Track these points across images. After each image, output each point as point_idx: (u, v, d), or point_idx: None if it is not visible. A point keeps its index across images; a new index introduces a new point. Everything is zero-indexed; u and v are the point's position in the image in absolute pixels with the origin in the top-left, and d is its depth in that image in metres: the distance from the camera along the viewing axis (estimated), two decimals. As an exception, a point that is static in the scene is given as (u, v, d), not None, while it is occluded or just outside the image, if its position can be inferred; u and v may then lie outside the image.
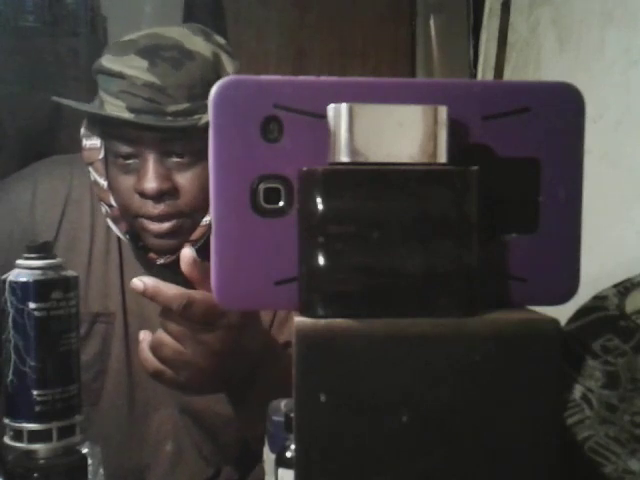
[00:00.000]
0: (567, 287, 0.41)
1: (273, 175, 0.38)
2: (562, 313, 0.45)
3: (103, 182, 0.90)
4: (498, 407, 0.37)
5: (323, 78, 0.39)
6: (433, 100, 0.37)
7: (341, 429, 0.36)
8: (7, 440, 0.57)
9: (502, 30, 1.50)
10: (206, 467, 0.98)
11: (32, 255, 0.57)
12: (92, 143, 0.90)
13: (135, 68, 0.84)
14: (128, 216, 0.89)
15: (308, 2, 2.12)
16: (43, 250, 0.58)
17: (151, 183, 0.84)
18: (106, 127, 0.88)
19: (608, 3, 1.11)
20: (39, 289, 0.56)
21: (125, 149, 0.86)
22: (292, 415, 0.37)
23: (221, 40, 0.90)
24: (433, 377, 0.36)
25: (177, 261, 0.87)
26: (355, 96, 0.38)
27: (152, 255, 0.91)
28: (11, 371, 0.57)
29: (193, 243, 0.88)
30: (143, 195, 0.85)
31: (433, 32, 2.00)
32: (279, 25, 2.09)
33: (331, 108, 0.37)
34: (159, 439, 0.96)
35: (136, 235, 0.91)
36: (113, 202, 0.90)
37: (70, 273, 0.59)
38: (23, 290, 0.56)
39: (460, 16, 1.94)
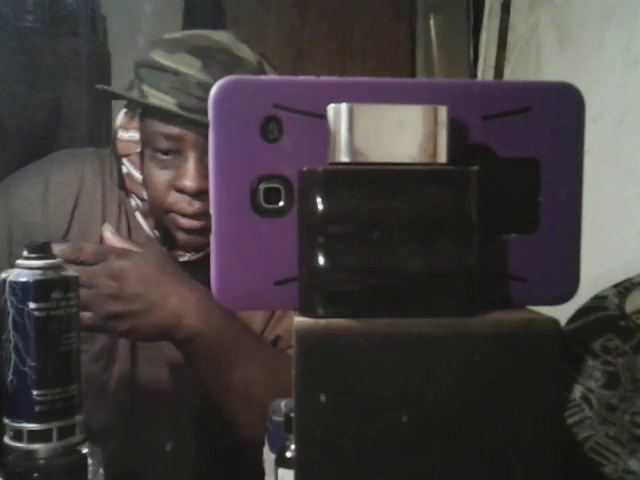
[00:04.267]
0: (567, 287, 0.41)
1: (273, 175, 0.38)
2: (562, 313, 0.45)
3: (138, 175, 0.90)
4: (498, 407, 0.37)
5: (323, 78, 0.39)
6: (433, 100, 0.37)
7: (341, 429, 0.36)
8: (7, 440, 0.57)
9: (502, 30, 1.50)
10: (204, 464, 0.98)
11: (32, 255, 0.57)
12: (130, 135, 0.90)
13: (190, 66, 0.84)
14: (159, 211, 0.89)
15: (308, 2, 2.12)
16: (43, 250, 0.58)
17: (192, 181, 0.84)
18: (148, 121, 0.88)
19: (608, 3, 1.11)
20: (39, 289, 0.56)
21: (166, 144, 0.86)
22: (292, 415, 0.37)
23: (261, 50, 0.92)
24: (433, 377, 0.36)
25: (200, 260, 0.88)
26: (355, 96, 0.38)
27: (178, 252, 0.91)
28: (11, 371, 0.57)
29: None
30: (181, 192, 0.85)
31: (433, 32, 2.00)
32: (279, 25, 2.09)
33: (331, 108, 0.37)
34: (157, 435, 0.96)
35: (165, 231, 0.91)
36: (145, 196, 0.90)
37: (70, 273, 0.59)
38: (23, 290, 0.56)
39: (460, 16, 1.94)
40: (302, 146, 0.38)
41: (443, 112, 0.37)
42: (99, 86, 0.92)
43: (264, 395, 0.81)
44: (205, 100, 0.87)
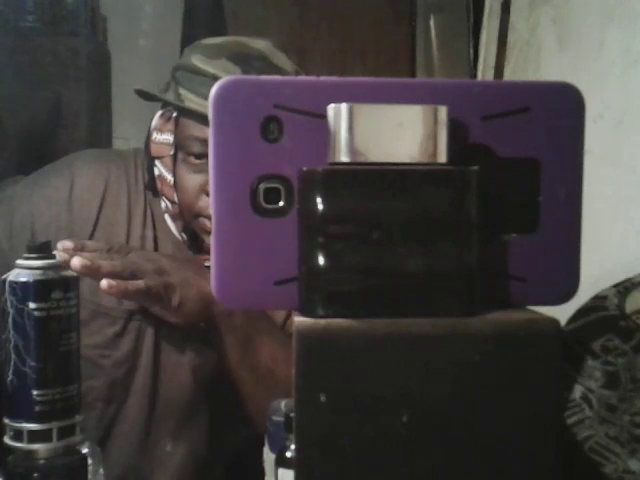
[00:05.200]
0: (567, 287, 0.41)
1: (273, 175, 0.38)
2: (562, 313, 0.45)
3: (170, 178, 0.91)
4: (498, 407, 0.37)
5: (323, 78, 0.39)
6: (433, 100, 0.37)
7: (341, 429, 0.36)
8: (7, 440, 0.57)
9: (502, 30, 1.50)
10: (221, 471, 0.99)
11: (32, 255, 0.57)
12: (164, 138, 0.91)
13: (230, 73, 0.85)
14: (189, 215, 0.90)
15: (308, 2, 2.12)
16: (43, 250, 0.58)
17: None
18: (185, 124, 0.88)
19: (608, 3, 1.12)
20: (39, 289, 0.56)
21: (200, 149, 0.87)
22: (292, 415, 0.37)
23: (295, 60, 0.92)
24: (433, 377, 0.36)
25: None
26: (355, 96, 0.38)
27: (204, 256, 0.92)
28: (11, 371, 0.57)
29: None
30: None
31: (433, 32, 2.00)
32: (279, 25, 2.09)
33: (331, 108, 0.37)
34: (176, 439, 0.96)
35: (192, 234, 0.92)
36: (176, 199, 0.90)
37: (70, 273, 0.59)
38: (23, 290, 0.56)
39: (460, 16, 1.94)
40: (302, 146, 0.38)
41: (443, 112, 0.37)
42: (137, 88, 0.92)
43: (288, 375, 0.82)
44: None
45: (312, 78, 0.39)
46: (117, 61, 1.78)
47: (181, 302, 0.80)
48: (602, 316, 0.78)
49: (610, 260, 0.99)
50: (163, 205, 0.93)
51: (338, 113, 0.36)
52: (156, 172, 0.92)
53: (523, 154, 0.40)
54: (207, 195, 0.87)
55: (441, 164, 0.37)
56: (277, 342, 0.86)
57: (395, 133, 0.36)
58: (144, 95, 0.92)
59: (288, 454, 0.59)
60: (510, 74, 1.46)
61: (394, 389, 0.36)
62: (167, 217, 0.94)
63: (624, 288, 0.79)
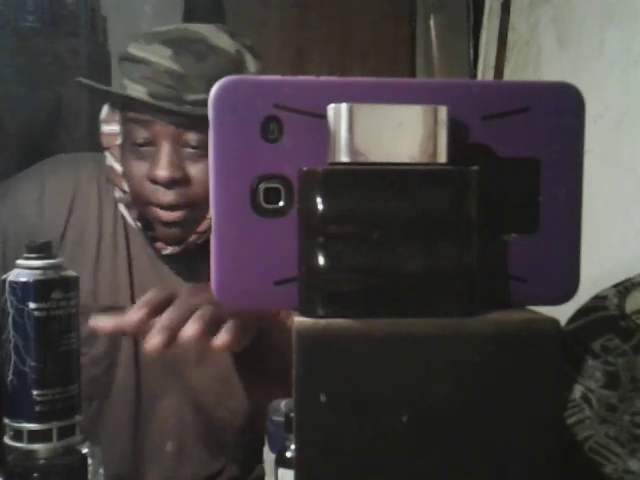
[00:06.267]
0: (567, 287, 0.41)
1: (273, 175, 0.38)
2: (562, 313, 0.45)
3: (119, 167, 0.91)
4: (498, 407, 0.37)
5: (323, 78, 0.39)
6: (433, 100, 0.37)
7: (341, 429, 0.36)
8: (7, 440, 0.57)
9: (502, 30, 1.50)
10: (209, 463, 0.99)
11: (32, 255, 0.57)
12: (111, 129, 0.92)
13: (159, 55, 0.86)
14: (140, 203, 0.90)
15: (308, 2, 2.12)
16: (43, 250, 0.58)
17: (164, 170, 0.85)
18: (126, 112, 0.89)
19: (608, 3, 1.12)
20: (39, 289, 0.56)
21: (142, 135, 0.87)
22: (292, 415, 0.37)
23: (247, 41, 0.92)
24: (433, 377, 0.36)
25: (182, 253, 0.89)
26: (355, 96, 0.38)
27: (160, 245, 0.92)
28: (11, 371, 0.57)
29: (200, 235, 0.89)
30: (155, 182, 0.87)
31: (433, 32, 2.00)
32: (279, 25, 2.09)
33: (331, 108, 0.37)
34: (163, 433, 0.96)
35: (147, 223, 0.92)
36: (126, 188, 0.91)
37: (70, 273, 0.59)
38: (23, 290, 0.56)
39: (460, 16, 1.94)
40: (302, 146, 0.38)
41: (443, 112, 0.37)
42: (79, 79, 0.92)
43: None
44: (173, 88, 0.88)
45: (312, 78, 0.39)
46: (117, 61, 1.78)
47: (242, 315, 0.71)
48: (602, 316, 0.78)
49: (610, 260, 0.99)
50: (117, 195, 0.94)
51: (338, 113, 0.36)
52: (107, 163, 0.93)
53: (523, 154, 0.40)
54: (151, 182, 0.87)
55: (441, 164, 0.37)
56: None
57: (395, 133, 0.36)
58: (86, 87, 0.93)
59: (288, 454, 0.59)
60: (510, 74, 1.47)
61: (394, 389, 0.36)
62: (121, 206, 0.95)
63: (624, 288, 0.79)
